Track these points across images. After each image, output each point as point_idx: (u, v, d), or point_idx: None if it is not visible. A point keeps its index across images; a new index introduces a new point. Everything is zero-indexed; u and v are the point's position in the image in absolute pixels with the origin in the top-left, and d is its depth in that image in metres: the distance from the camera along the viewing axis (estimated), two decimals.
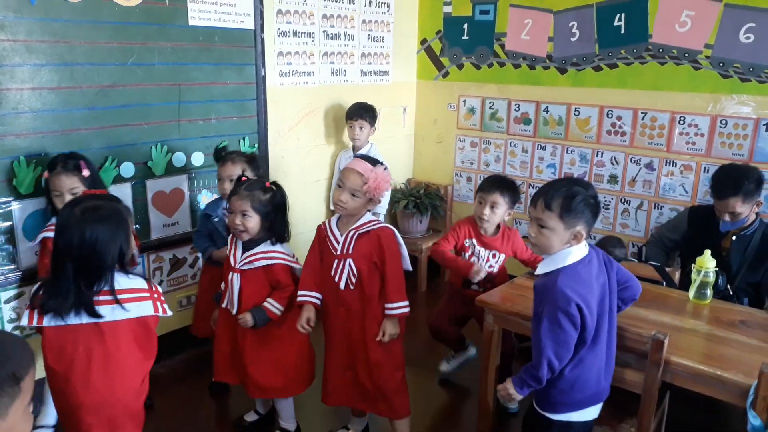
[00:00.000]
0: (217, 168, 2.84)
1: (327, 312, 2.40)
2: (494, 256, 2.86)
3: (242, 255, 2.39)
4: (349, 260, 2.28)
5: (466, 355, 3.22)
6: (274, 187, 2.41)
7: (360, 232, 2.29)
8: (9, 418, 1.05)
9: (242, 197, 2.33)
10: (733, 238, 2.88)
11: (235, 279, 2.40)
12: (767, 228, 2.90)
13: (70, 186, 2.39)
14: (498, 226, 2.87)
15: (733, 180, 2.80)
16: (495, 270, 2.87)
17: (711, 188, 2.90)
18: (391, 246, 2.29)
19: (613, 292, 1.99)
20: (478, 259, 2.86)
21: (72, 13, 2.59)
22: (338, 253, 2.30)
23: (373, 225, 2.30)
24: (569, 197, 1.85)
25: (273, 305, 2.38)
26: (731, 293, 2.82)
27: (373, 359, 2.35)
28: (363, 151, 3.68)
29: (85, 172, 2.43)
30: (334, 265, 2.31)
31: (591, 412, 2.01)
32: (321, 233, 2.39)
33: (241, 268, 2.39)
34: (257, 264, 2.38)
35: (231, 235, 2.47)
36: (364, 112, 3.74)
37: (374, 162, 2.29)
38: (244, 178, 2.45)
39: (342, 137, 3.97)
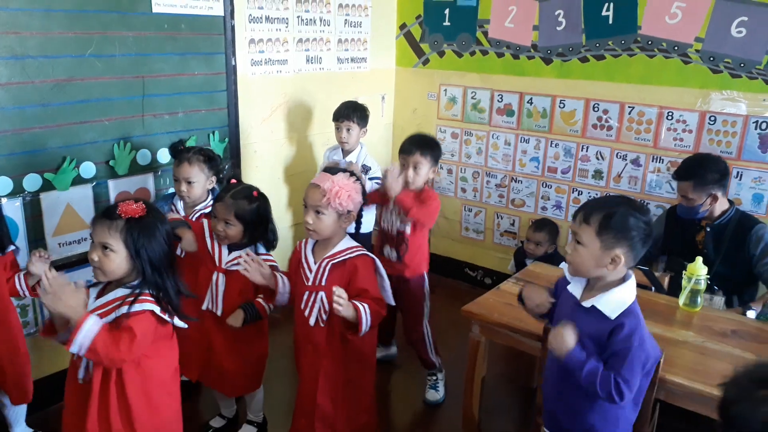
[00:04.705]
0: (173, 167, 2.66)
1: (297, 347, 2.25)
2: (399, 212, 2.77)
3: (228, 255, 2.31)
4: (322, 293, 2.07)
5: (386, 351, 3.20)
6: (259, 198, 2.34)
7: (335, 261, 2.07)
8: None
9: (227, 206, 2.26)
10: (707, 229, 2.84)
11: (221, 279, 2.31)
12: (742, 216, 2.86)
13: None
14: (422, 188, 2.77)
15: (690, 165, 2.84)
16: (404, 230, 2.76)
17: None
18: (369, 272, 2.08)
19: None
20: (390, 214, 2.80)
21: (22, 0, 2.36)
22: (310, 283, 2.11)
23: (351, 253, 2.08)
24: (611, 213, 1.69)
25: (264, 303, 2.29)
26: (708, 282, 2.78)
27: (338, 400, 2.16)
28: (353, 155, 3.37)
29: None
30: (305, 297, 2.11)
31: None
32: (296, 256, 2.20)
33: (228, 268, 2.31)
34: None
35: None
36: (351, 113, 3.29)
37: (335, 171, 2.08)
38: (233, 181, 2.41)
39: (317, 128, 3.78)
